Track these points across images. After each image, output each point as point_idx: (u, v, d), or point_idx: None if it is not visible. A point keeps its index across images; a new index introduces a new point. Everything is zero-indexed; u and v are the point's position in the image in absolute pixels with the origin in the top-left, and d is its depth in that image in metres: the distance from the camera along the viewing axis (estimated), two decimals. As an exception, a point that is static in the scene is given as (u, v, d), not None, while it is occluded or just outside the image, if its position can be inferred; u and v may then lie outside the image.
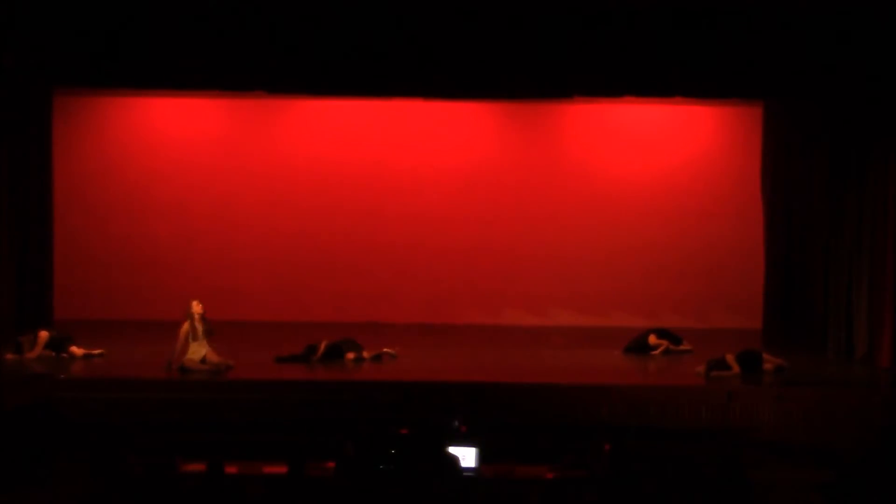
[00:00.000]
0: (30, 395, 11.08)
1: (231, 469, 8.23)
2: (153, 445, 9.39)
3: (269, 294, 16.23)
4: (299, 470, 7.86)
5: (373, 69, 12.20)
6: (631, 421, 11.03)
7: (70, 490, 8.40)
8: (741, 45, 11.89)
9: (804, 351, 13.61)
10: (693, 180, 16.23)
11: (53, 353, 12.76)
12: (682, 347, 13.81)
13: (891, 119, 12.68)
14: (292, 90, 14.38)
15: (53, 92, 15.34)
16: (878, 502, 7.98)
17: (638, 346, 13.74)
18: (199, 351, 12.16)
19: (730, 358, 12.25)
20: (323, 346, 12.85)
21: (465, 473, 8.41)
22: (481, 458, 8.87)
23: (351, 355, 12.83)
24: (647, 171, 16.28)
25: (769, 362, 12.46)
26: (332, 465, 8.28)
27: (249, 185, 16.35)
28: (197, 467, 8.21)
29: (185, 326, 12.18)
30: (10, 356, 12.61)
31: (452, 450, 8.36)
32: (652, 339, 13.79)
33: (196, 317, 12.23)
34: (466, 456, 8.69)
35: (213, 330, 12.32)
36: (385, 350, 13.09)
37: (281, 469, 8.05)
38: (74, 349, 12.81)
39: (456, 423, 9.57)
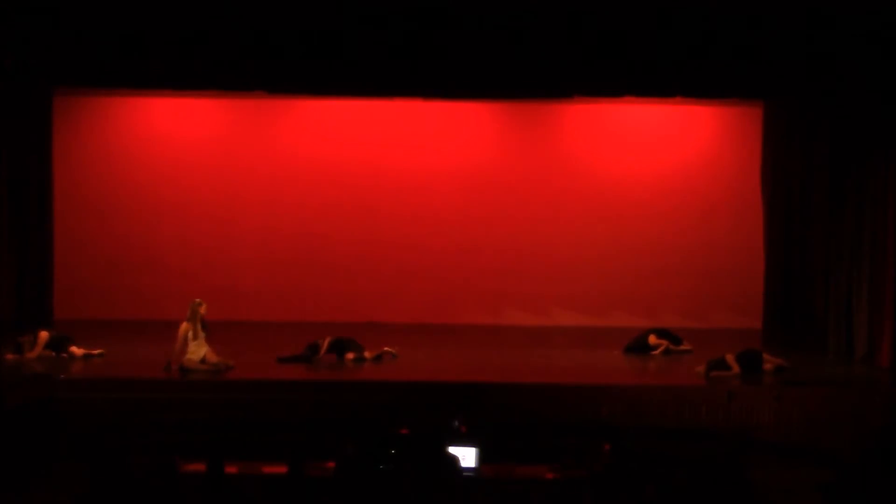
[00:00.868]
0: (30, 395, 11.07)
1: (231, 469, 8.24)
2: (153, 445, 9.39)
3: (269, 294, 16.24)
4: (299, 470, 7.86)
5: (373, 69, 12.20)
6: (631, 421, 11.03)
7: (70, 490, 8.40)
8: (741, 45, 11.88)
9: (804, 351, 13.61)
10: (693, 180, 16.24)
11: (53, 353, 12.74)
12: (682, 347, 13.80)
13: (891, 119, 12.67)
14: (292, 90, 14.39)
15: (53, 92, 15.35)
16: (877, 502, 7.98)
17: (638, 346, 13.75)
18: (198, 351, 12.16)
19: (730, 358, 12.25)
20: (326, 342, 12.84)
21: (465, 473, 8.41)
22: (481, 458, 8.88)
23: (351, 355, 12.83)
24: (647, 171, 16.28)
25: (769, 362, 12.46)
26: (332, 465, 8.28)
27: (249, 186, 16.36)
28: (197, 467, 8.21)
29: (185, 326, 12.18)
30: (10, 356, 12.61)
31: (452, 450, 8.35)
32: (652, 339, 13.79)
33: (199, 317, 12.23)
34: (466, 456, 8.70)
35: (209, 329, 12.31)
36: (385, 350, 13.09)
37: (281, 469, 8.06)
38: (74, 349, 12.81)
39: (456, 423, 9.57)
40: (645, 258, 16.09)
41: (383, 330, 14.14)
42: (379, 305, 15.84)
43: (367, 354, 12.92)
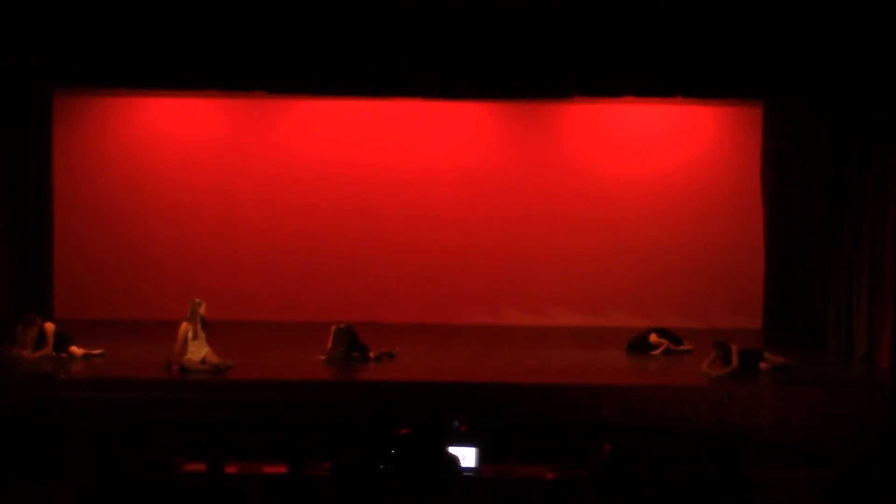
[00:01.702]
0: (30, 395, 11.07)
1: (231, 469, 8.24)
2: (153, 445, 9.39)
3: (269, 294, 16.23)
4: (299, 470, 7.86)
5: (373, 69, 12.20)
6: (631, 421, 11.03)
7: (70, 490, 8.40)
8: (741, 45, 11.89)
9: (804, 351, 13.60)
10: (693, 180, 16.22)
11: (53, 353, 12.74)
12: (682, 347, 13.80)
13: (891, 119, 12.68)
14: (292, 90, 14.38)
15: (53, 92, 15.34)
16: (877, 502, 7.99)
17: (639, 345, 13.75)
18: (199, 351, 12.16)
19: (734, 349, 12.24)
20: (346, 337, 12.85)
21: (465, 473, 8.41)
22: (481, 458, 8.88)
23: (356, 354, 12.83)
24: (647, 171, 16.27)
25: (768, 361, 12.46)
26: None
27: (249, 185, 16.35)
28: (197, 467, 8.22)
29: (184, 326, 12.18)
30: (15, 351, 12.63)
31: (452, 450, 8.36)
32: (653, 337, 13.79)
33: (199, 317, 12.22)
34: (466, 456, 8.70)
35: (211, 328, 12.31)
36: (383, 350, 13.08)
37: (281, 469, 8.06)
38: (74, 349, 12.81)
39: (456, 423, 9.57)
40: (645, 258, 16.08)
41: (383, 330, 14.13)
42: (379, 305, 15.83)
43: (371, 355, 12.92)
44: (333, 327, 12.92)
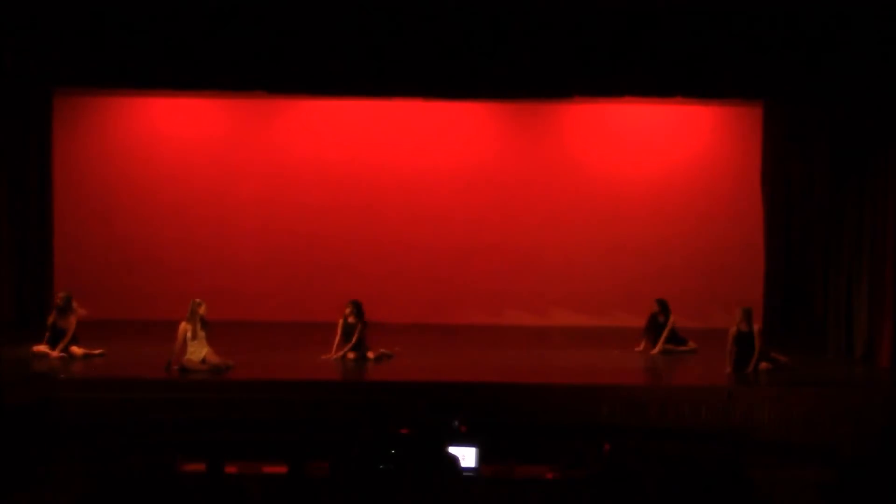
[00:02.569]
0: (30, 395, 11.07)
1: (231, 469, 8.24)
2: (153, 445, 9.39)
3: (269, 294, 16.23)
4: (299, 470, 7.86)
5: (373, 69, 12.20)
6: (631, 421, 11.03)
7: (70, 490, 8.40)
8: (741, 45, 11.89)
9: (804, 351, 13.61)
10: (693, 180, 16.23)
11: (53, 353, 12.74)
12: (685, 347, 13.78)
13: (890, 119, 12.68)
14: (292, 90, 14.38)
15: (53, 92, 15.35)
16: (878, 502, 7.98)
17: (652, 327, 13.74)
18: (199, 351, 12.16)
19: (756, 329, 12.43)
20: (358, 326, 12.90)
21: (465, 473, 8.41)
22: (481, 458, 8.87)
23: (351, 355, 12.83)
24: (647, 171, 16.28)
25: (772, 361, 12.46)
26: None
27: (249, 186, 16.35)
28: (197, 467, 8.21)
29: (184, 326, 12.18)
30: (38, 348, 12.71)
31: (452, 450, 8.35)
32: (659, 318, 13.78)
33: (199, 317, 12.22)
34: (466, 456, 8.69)
35: (211, 328, 12.31)
36: (382, 351, 13.08)
37: (281, 469, 8.05)
38: (74, 349, 12.81)
39: (456, 423, 9.57)
40: (645, 258, 16.08)
41: (383, 330, 14.13)
42: (379, 305, 15.81)
43: (369, 355, 12.92)
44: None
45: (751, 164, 15.75)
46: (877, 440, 10.04)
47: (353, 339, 12.84)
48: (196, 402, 11.25)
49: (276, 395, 11.32)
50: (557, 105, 15.93)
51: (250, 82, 12.87)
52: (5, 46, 11.95)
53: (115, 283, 16.05)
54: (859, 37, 11.82)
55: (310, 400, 11.24)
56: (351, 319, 12.90)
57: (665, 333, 13.69)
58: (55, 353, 12.68)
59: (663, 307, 13.78)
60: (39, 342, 12.88)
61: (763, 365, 12.35)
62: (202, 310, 12.30)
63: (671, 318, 13.75)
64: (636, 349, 13.73)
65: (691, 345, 13.81)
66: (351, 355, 12.81)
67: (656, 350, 13.62)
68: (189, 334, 12.15)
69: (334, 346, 12.88)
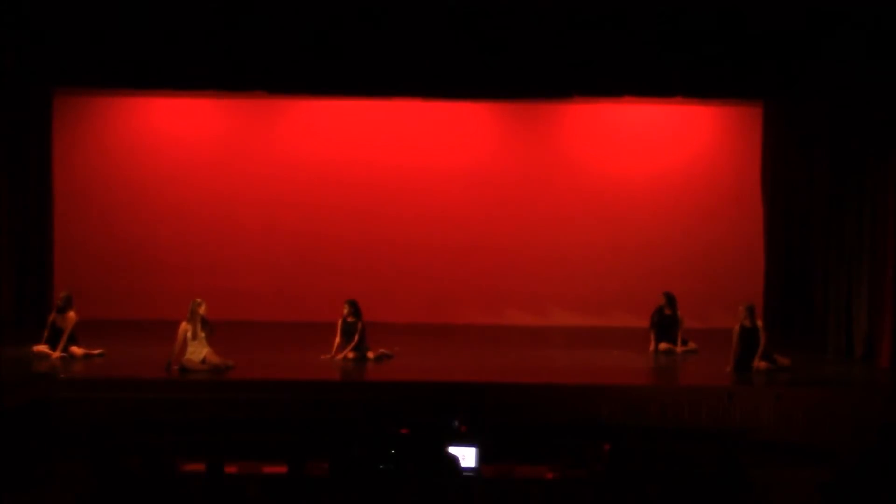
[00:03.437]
0: (30, 395, 11.07)
1: (231, 469, 8.23)
2: (153, 445, 9.38)
3: (269, 294, 16.23)
4: (299, 470, 7.86)
5: (373, 69, 12.20)
6: (631, 421, 11.02)
7: (69, 490, 8.40)
8: (741, 45, 11.88)
9: (804, 351, 13.60)
10: (693, 180, 16.24)
11: (54, 353, 12.74)
12: (686, 347, 13.78)
13: (891, 119, 12.67)
14: (292, 90, 14.39)
15: (53, 92, 15.35)
16: (877, 502, 7.98)
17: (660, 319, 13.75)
18: (199, 351, 12.15)
19: (760, 325, 12.45)
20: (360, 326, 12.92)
21: (465, 473, 8.41)
22: (481, 458, 8.87)
23: (351, 355, 12.83)
24: (648, 170, 16.28)
25: (773, 362, 12.46)
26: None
27: (249, 185, 16.36)
28: (197, 467, 8.21)
29: (184, 326, 12.18)
30: (38, 348, 12.71)
31: (452, 450, 8.35)
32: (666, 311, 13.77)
33: (199, 317, 12.22)
34: (466, 456, 8.69)
35: (214, 329, 12.32)
36: (381, 351, 13.08)
37: (281, 469, 8.05)
38: (74, 349, 12.81)
39: (456, 423, 9.57)
40: (645, 258, 16.09)
41: (383, 330, 14.13)
42: (379, 305, 15.81)
43: (369, 355, 12.92)
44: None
45: (751, 164, 15.75)
46: (877, 440, 10.04)
47: (355, 339, 12.85)
48: (196, 402, 11.24)
49: (276, 395, 11.32)
50: (557, 105, 15.93)
51: (250, 82, 12.87)
52: (5, 46, 11.94)
53: (115, 283, 16.05)
54: (859, 37, 11.81)
55: (310, 400, 11.24)
56: (350, 319, 12.91)
57: (680, 333, 13.69)
58: (55, 353, 12.68)
59: (670, 300, 13.77)
60: (39, 342, 12.88)
61: (763, 364, 12.35)
62: (202, 310, 12.29)
63: (680, 314, 13.74)
64: (649, 349, 13.67)
65: (692, 345, 13.80)
66: (351, 355, 12.81)
67: (681, 349, 13.59)
68: (189, 334, 12.15)
69: (334, 346, 12.88)
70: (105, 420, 10.88)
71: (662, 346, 13.67)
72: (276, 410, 11.12)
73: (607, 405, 11.24)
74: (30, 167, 15.14)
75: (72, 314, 12.85)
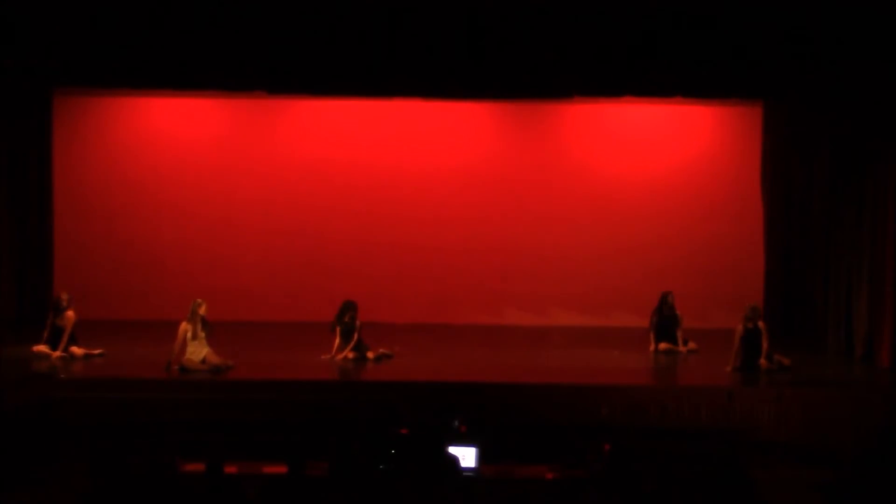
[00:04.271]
0: (30, 395, 11.07)
1: (231, 469, 8.24)
2: (153, 445, 9.39)
3: (269, 294, 16.23)
4: (299, 470, 7.86)
5: (373, 69, 12.20)
6: (631, 421, 11.03)
7: (70, 490, 8.40)
8: (741, 45, 11.88)
9: (804, 351, 13.60)
10: (693, 180, 16.23)
11: (54, 353, 12.74)
12: (687, 347, 13.77)
13: (891, 119, 12.67)
14: (292, 90, 14.39)
15: (53, 92, 15.34)
16: (877, 502, 7.99)
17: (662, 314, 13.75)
18: (199, 351, 12.15)
19: (763, 327, 12.45)
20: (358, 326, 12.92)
21: (465, 473, 8.41)
22: (481, 458, 8.87)
23: (351, 355, 12.83)
24: (648, 171, 16.28)
25: (774, 362, 12.46)
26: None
27: (249, 186, 16.36)
28: (197, 467, 8.22)
29: (184, 326, 12.18)
30: (38, 348, 12.70)
31: (452, 450, 8.35)
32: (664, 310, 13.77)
33: (199, 317, 12.22)
34: (466, 456, 8.69)
35: (213, 330, 12.32)
36: (381, 352, 13.08)
37: (281, 469, 8.06)
38: (74, 349, 12.80)
39: (456, 423, 9.57)
40: (645, 258, 16.08)
41: (383, 330, 14.13)
42: (379, 305, 15.82)
43: (369, 355, 12.92)
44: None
45: (751, 164, 15.75)
46: (877, 440, 10.04)
47: (354, 339, 12.85)
48: (196, 402, 11.24)
49: (276, 395, 11.32)
50: (557, 105, 15.93)
51: (250, 82, 12.88)
52: (5, 46, 11.95)
53: (115, 283, 16.06)
54: (859, 37, 11.81)
55: (310, 400, 11.24)
56: (347, 318, 12.90)
57: (680, 333, 13.68)
58: (55, 353, 12.68)
59: (669, 301, 13.76)
60: (39, 342, 12.88)
61: (763, 363, 12.35)
62: (202, 310, 12.29)
63: (680, 314, 13.73)
64: (649, 349, 13.67)
65: (692, 345, 13.80)
66: (351, 355, 12.81)
67: (684, 348, 13.59)
68: (189, 334, 12.15)
69: (334, 346, 12.88)
70: (105, 420, 10.88)
71: (662, 346, 13.67)
72: (276, 410, 11.12)
73: (607, 405, 11.24)
74: (30, 167, 15.14)
75: (71, 314, 12.85)
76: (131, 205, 16.27)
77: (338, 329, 12.93)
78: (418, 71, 12.28)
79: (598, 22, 11.87)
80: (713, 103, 15.77)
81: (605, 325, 15.86)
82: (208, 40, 11.97)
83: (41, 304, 14.86)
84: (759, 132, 15.73)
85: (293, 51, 12.05)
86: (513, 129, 16.50)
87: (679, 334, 13.71)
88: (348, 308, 12.96)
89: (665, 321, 13.71)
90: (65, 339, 12.75)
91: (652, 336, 13.74)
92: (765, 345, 12.35)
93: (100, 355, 12.88)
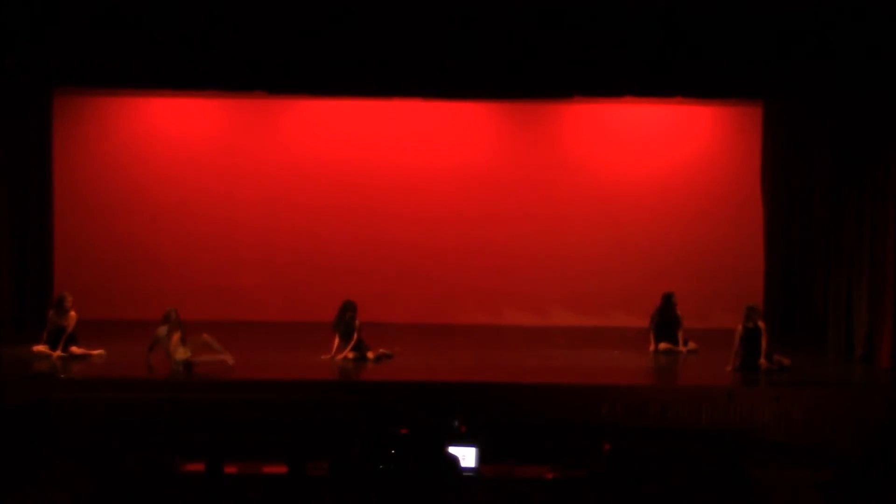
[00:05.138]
0: (30, 395, 11.07)
1: (231, 469, 8.24)
2: (153, 445, 9.39)
3: (269, 294, 16.23)
4: (299, 470, 7.86)
5: (373, 69, 12.20)
6: (631, 421, 11.03)
7: (69, 490, 8.40)
8: (741, 45, 11.88)
9: (804, 351, 13.60)
10: (693, 180, 16.23)
11: (54, 353, 12.74)
12: (687, 347, 13.77)
13: (891, 119, 12.67)
14: (292, 90, 14.38)
15: (53, 92, 15.34)
16: (878, 502, 7.99)
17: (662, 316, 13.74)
18: (187, 351, 12.14)
19: (762, 326, 12.44)
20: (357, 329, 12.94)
21: (465, 473, 8.41)
22: (481, 458, 8.88)
23: (351, 355, 12.83)
24: (647, 171, 16.27)
25: (774, 362, 12.45)
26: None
27: (249, 186, 16.35)
28: (197, 467, 8.22)
29: (161, 329, 12.17)
30: (38, 348, 12.70)
31: (452, 450, 8.36)
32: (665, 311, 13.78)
33: (179, 323, 12.22)
34: (466, 456, 8.70)
35: (187, 327, 12.32)
36: (381, 352, 13.08)
37: (281, 469, 8.06)
38: (74, 349, 12.81)
39: (456, 423, 9.57)
40: (645, 258, 16.09)
41: (383, 330, 14.13)
42: (379, 305, 15.82)
43: (369, 355, 12.92)
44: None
45: (751, 164, 15.75)
46: (877, 440, 10.04)
47: (354, 339, 12.85)
48: (196, 402, 11.24)
49: (276, 395, 11.32)
50: (557, 105, 15.93)
51: (250, 82, 12.87)
52: (5, 46, 11.94)
53: (115, 283, 16.05)
54: (859, 37, 11.81)
55: (310, 400, 11.24)
56: (346, 318, 12.90)
57: (680, 333, 13.68)
58: (55, 353, 12.68)
59: (669, 301, 13.75)
60: (39, 342, 12.88)
61: (763, 363, 12.35)
62: (176, 315, 12.29)
63: (680, 314, 13.73)
64: (649, 349, 13.66)
65: (692, 345, 13.80)
66: (351, 355, 12.81)
67: (684, 349, 13.59)
68: (176, 339, 12.13)
69: (334, 346, 12.88)
70: (105, 420, 10.88)
71: (662, 346, 13.67)
72: (276, 410, 11.12)
73: (607, 405, 11.24)
74: (30, 167, 15.13)
75: (72, 314, 12.86)
76: (131, 204, 16.27)
77: (337, 330, 12.93)
78: (418, 71, 12.28)
79: (598, 22, 11.87)
80: (713, 103, 15.76)
81: (605, 325, 15.86)
82: (208, 40, 11.98)
83: (41, 304, 14.85)
84: (759, 132, 15.73)
85: (293, 51, 12.05)
86: (513, 129, 16.50)
87: (680, 334, 13.71)
88: (348, 308, 12.96)
89: (666, 321, 13.71)
90: (64, 339, 12.74)
91: (652, 336, 13.74)
92: (764, 345, 12.36)
93: (100, 355, 12.87)
